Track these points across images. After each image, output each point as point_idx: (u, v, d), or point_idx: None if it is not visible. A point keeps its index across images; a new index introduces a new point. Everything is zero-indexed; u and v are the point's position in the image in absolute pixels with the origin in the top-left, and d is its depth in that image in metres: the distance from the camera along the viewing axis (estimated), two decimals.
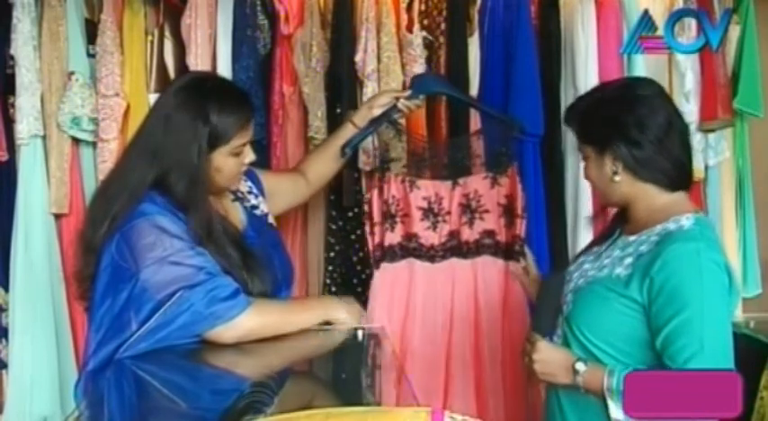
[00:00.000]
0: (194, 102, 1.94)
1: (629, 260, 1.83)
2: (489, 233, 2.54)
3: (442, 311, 2.54)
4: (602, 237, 2.04)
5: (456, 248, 2.54)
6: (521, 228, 2.52)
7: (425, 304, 2.53)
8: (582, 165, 2.88)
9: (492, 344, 2.54)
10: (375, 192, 2.52)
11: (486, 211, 2.53)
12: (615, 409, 1.73)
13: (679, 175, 1.87)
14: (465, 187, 2.54)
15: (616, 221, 2.02)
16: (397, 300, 2.52)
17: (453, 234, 2.54)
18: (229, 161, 1.98)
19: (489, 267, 2.54)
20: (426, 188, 2.53)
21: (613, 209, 2.08)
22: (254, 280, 1.95)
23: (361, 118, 2.44)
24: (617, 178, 1.85)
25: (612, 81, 2.24)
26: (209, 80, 2.13)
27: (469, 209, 2.54)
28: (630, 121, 1.81)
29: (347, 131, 2.44)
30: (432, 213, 2.52)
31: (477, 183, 2.54)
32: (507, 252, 2.54)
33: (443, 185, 2.54)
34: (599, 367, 1.78)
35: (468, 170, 2.58)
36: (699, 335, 1.69)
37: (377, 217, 2.51)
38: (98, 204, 1.98)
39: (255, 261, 1.99)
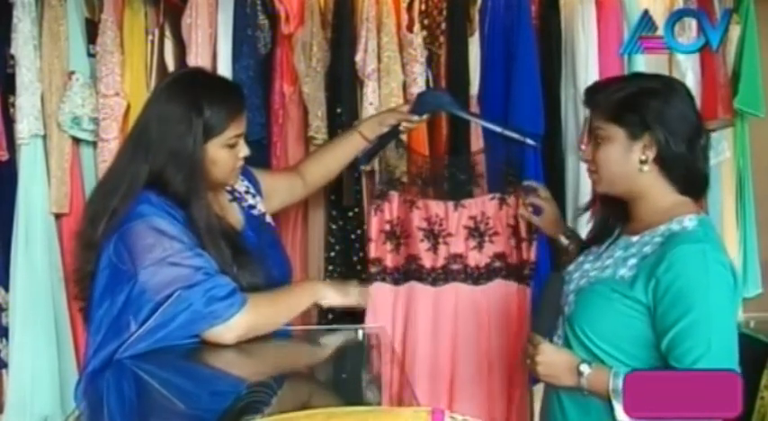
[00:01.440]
0: (186, 95, 1.95)
1: (632, 261, 1.82)
2: (500, 256, 2.48)
3: (443, 336, 2.49)
4: (599, 236, 2.03)
5: (460, 272, 2.49)
6: (529, 252, 2.45)
7: (426, 328, 2.49)
8: (583, 159, 2.94)
9: (502, 370, 2.50)
10: (372, 211, 2.49)
11: (496, 234, 2.48)
12: (621, 411, 1.73)
13: (696, 181, 1.87)
14: (470, 209, 2.47)
15: (614, 219, 2.00)
16: (399, 323, 2.49)
17: (456, 257, 2.48)
18: (224, 153, 1.98)
19: (502, 292, 2.49)
20: (427, 208, 2.48)
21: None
22: (245, 276, 1.94)
23: (370, 130, 2.43)
24: (645, 168, 1.82)
25: (644, 73, 2.21)
26: (198, 74, 2.18)
27: (478, 232, 2.48)
28: (674, 113, 1.80)
29: (353, 139, 2.44)
30: (432, 234, 2.48)
31: (483, 204, 2.49)
32: (518, 275, 2.48)
33: (445, 206, 2.49)
34: (603, 369, 1.77)
35: (473, 191, 2.54)
36: (706, 337, 1.68)
37: (374, 235, 2.48)
38: (96, 201, 1.99)
39: (247, 258, 1.98)
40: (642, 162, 1.82)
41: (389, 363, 1.92)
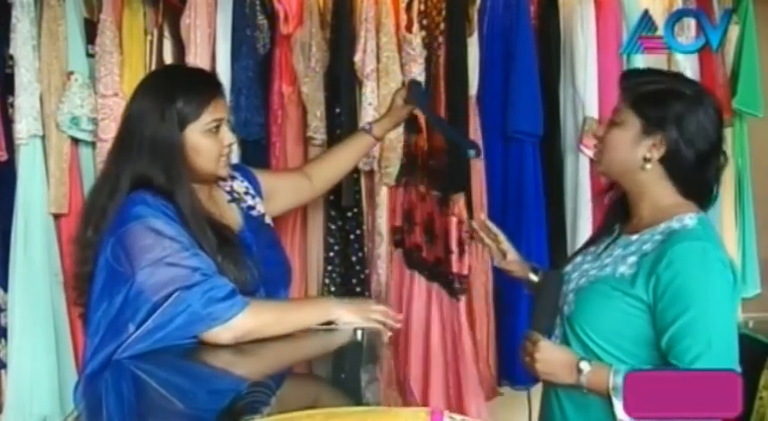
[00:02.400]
0: (157, 88, 2.00)
1: (632, 259, 1.82)
2: (439, 260, 2.50)
3: (407, 320, 2.52)
4: (598, 237, 2.04)
5: (419, 263, 2.49)
6: (458, 264, 2.49)
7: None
8: (581, 161, 2.95)
9: (448, 370, 2.53)
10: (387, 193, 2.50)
11: (436, 237, 2.49)
12: (621, 409, 1.72)
13: (700, 192, 1.87)
14: (427, 205, 2.50)
15: (614, 219, 2.01)
16: None
17: (417, 248, 2.50)
18: (206, 140, 1.98)
19: (443, 299, 2.51)
20: (400, 195, 2.50)
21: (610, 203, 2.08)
22: (230, 268, 1.93)
23: (382, 130, 2.47)
24: (648, 166, 1.82)
25: (685, 76, 2.20)
26: (170, 68, 2.29)
27: (429, 229, 2.49)
28: (695, 123, 1.79)
29: (363, 140, 2.47)
30: (407, 221, 2.50)
31: (435, 203, 2.50)
32: (449, 286, 2.51)
33: (414, 196, 2.49)
34: (603, 366, 1.77)
35: (436, 186, 2.55)
36: (706, 335, 1.69)
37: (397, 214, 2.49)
38: (89, 202, 2.03)
39: (234, 250, 1.98)
40: (646, 160, 1.82)
41: (389, 363, 1.92)
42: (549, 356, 1.84)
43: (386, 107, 2.67)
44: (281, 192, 2.35)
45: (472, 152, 2.42)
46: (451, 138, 2.60)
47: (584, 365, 1.77)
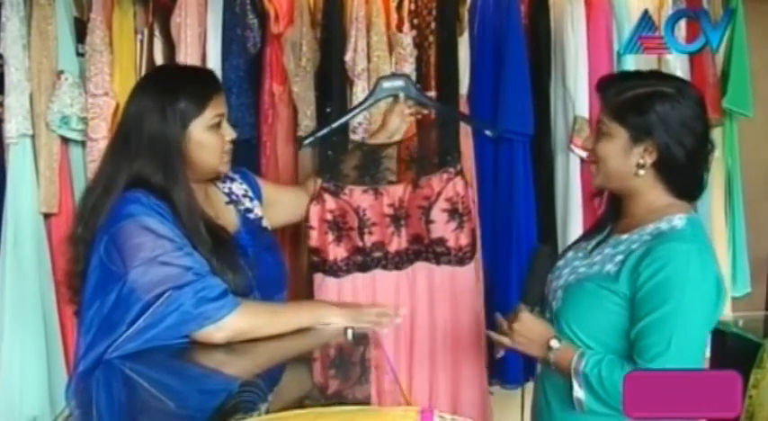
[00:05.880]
0: (157, 86, 2.01)
1: (619, 257, 1.83)
2: (416, 238, 2.46)
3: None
4: (591, 233, 2.04)
5: (381, 259, 2.46)
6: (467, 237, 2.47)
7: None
8: (571, 160, 2.96)
9: (433, 356, 2.51)
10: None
11: (408, 216, 2.45)
12: (579, 389, 1.76)
13: (693, 189, 1.88)
14: (389, 196, 2.47)
15: (607, 217, 2.01)
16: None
17: (378, 245, 2.47)
18: (209, 136, 2.00)
19: (424, 273, 2.47)
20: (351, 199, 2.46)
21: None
22: (224, 269, 1.93)
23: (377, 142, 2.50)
24: (641, 172, 1.83)
25: (661, 73, 2.19)
26: (167, 67, 2.32)
27: (396, 218, 2.46)
28: (681, 120, 1.79)
29: None
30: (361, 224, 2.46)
31: (400, 191, 2.47)
32: (436, 255, 2.48)
33: (366, 195, 2.46)
34: (571, 347, 1.81)
35: (394, 178, 2.51)
36: (668, 336, 1.70)
37: (316, 224, 2.44)
38: (82, 200, 2.04)
39: (228, 252, 1.98)
40: (640, 166, 1.83)
41: (379, 362, 1.92)
42: (525, 328, 1.87)
43: (378, 107, 2.67)
44: (281, 204, 2.36)
45: (489, 132, 2.67)
46: (467, 122, 2.70)
47: (555, 343, 1.81)
